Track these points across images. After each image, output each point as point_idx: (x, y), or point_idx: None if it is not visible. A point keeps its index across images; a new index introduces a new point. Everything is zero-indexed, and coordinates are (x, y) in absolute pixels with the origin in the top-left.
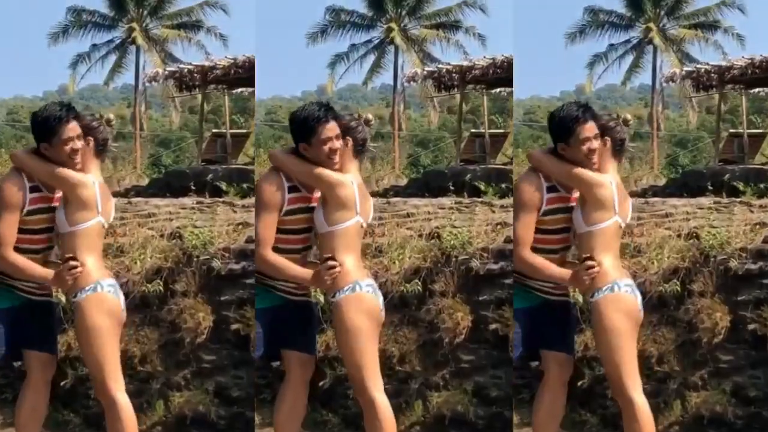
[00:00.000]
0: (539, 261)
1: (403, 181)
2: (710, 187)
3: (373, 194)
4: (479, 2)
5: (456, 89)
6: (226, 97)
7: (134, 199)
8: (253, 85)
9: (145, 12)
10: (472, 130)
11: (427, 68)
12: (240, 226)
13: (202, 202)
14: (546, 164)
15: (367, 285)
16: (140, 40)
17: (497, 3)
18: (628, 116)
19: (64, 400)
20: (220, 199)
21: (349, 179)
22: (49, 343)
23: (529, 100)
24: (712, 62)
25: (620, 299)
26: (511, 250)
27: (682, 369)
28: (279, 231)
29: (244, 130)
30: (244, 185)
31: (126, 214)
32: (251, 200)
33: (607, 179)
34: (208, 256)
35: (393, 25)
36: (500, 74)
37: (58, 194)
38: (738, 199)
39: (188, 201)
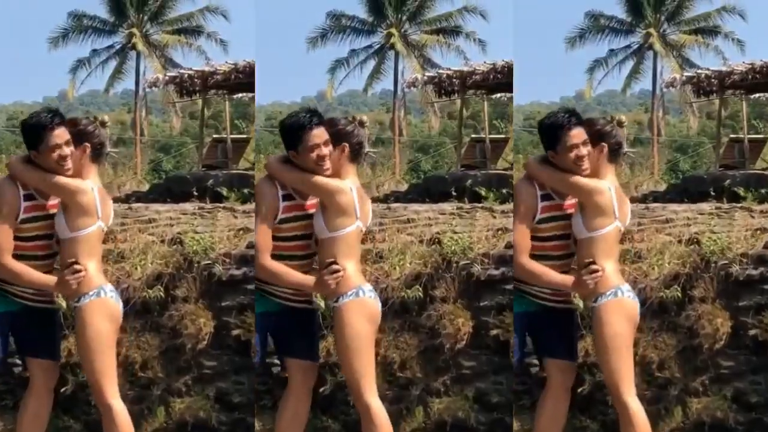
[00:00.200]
0: (538, 267)
1: (404, 187)
2: (711, 193)
3: (374, 200)
4: (479, 8)
5: (456, 94)
6: (227, 102)
7: (135, 205)
8: (253, 91)
9: (146, 17)
10: (473, 136)
11: (427, 73)
12: (241, 232)
13: (203, 207)
14: (542, 172)
15: (369, 290)
16: (140, 46)
17: (497, 8)
18: (622, 117)
19: (64, 406)
20: (221, 205)
21: (347, 185)
22: (51, 349)
23: (528, 105)
24: (712, 67)
25: (624, 304)
26: (512, 256)
27: (683, 375)
28: (276, 239)
29: (245, 136)
30: (245, 190)
31: (126, 219)
32: (252, 206)
33: (605, 185)
34: (209, 262)
35: (393, 30)
36: (501, 79)
37: (52, 201)
38: (739, 205)
39: (189, 206)
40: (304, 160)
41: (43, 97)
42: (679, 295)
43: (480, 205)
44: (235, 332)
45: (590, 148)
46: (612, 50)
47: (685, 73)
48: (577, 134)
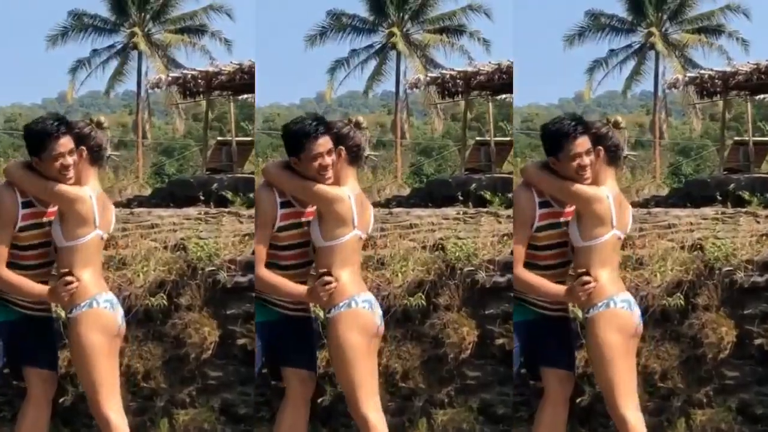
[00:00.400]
0: (533, 278)
1: (406, 191)
2: (716, 197)
3: (375, 204)
4: (484, 6)
5: (460, 96)
6: (232, 103)
7: (137, 210)
8: None
9: (148, 16)
10: (477, 138)
11: (430, 74)
12: (246, 237)
13: (207, 212)
14: (540, 179)
15: (364, 301)
16: (142, 45)
17: (502, 7)
18: (619, 119)
19: (64, 418)
20: (226, 209)
21: (345, 193)
22: (49, 359)
23: (527, 107)
24: (716, 68)
25: (615, 316)
26: None
27: (686, 386)
28: (274, 247)
29: (250, 138)
30: (251, 195)
31: (128, 225)
32: None
33: (604, 192)
34: (213, 269)
35: (395, 29)
36: (506, 80)
37: (52, 209)
38: (743, 210)
39: (193, 211)
40: (306, 168)
41: (42, 98)
42: (682, 303)
43: (485, 209)
44: (241, 341)
45: (593, 157)
46: (612, 50)
47: (688, 74)
48: (581, 143)
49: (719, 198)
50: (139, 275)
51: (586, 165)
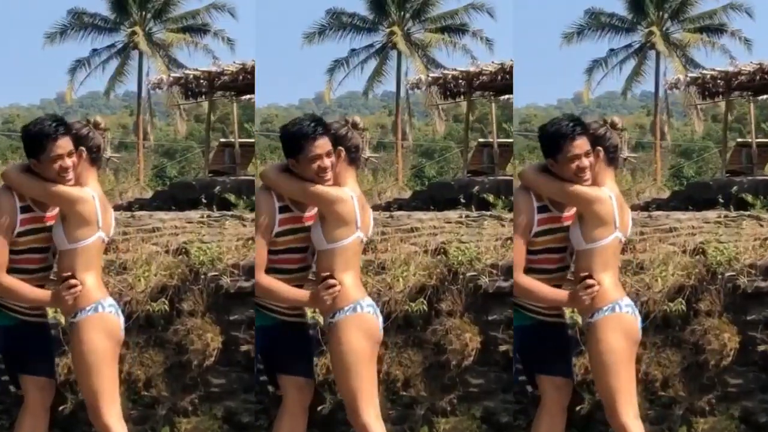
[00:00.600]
0: (532, 283)
1: (407, 194)
2: (718, 200)
3: (376, 207)
4: (486, 5)
5: (462, 96)
6: (235, 104)
7: (138, 213)
8: None
9: (149, 15)
10: (480, 140)
11: (431, 74)
12: (250, 241)
13: (210, 215)
14: (538, 182)
15: (368, 305)
16: (143, 45)
17: (505, 5)
18: (616, 119)
19: (63, 426)
20: (229, 213)
21: (347, 193)
22: (46, 366)
23: (525, 108)
24: (718, 68)
25: (621, 320)
26: None
27: (688, 393)
28: (273, 252)
29: (253, 140)
30: (254, 198)
31: (129, 228)
32: None
33: (605, 193)
34: (216, 273)
35: (396, 28)
36: (509, 80)
37: (51, 213)
38: (747, 213)
39: (195, 214)
40: (304, 169)
41: (41, 99)
42: (684, 308)
43: (488, 213)
44: (244, 348)
45: (592, 159)
46: (612, 50)
47: (690, 74)
48: (580, 144)
49: (721, 201)
50: (140, 280)
51: (585, 167)
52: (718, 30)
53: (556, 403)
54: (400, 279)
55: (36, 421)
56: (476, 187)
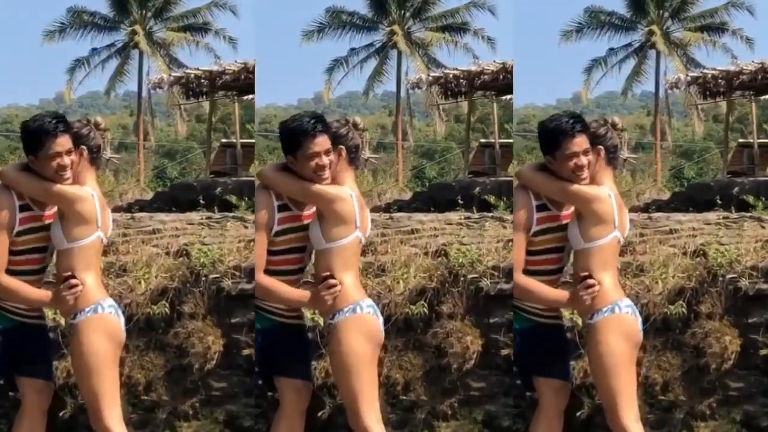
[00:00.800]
0: (531, 283)
1: (408, 195)
2: (718, 201)
3: (376, 209)
4: (488, 3)
5: (464, 96)
6: (236, 104)
7: (138, 214)
8: None
9: (149, 13)
10: (481, 140)
11: (432, 74)
12: (251, 243)
13: (211, 217)
14: (536, 181)
15: (368, 306)
16: (144, 44)
17: (506, 4)
18: (617, 119)
19: (63, 431)
20: (230, 214)
21: (347, 192)
22: (44, 368)
23: (523, 109)
24: (719, 67)
25: (621, 321)
26: None
27: (688, 397)
28: (271, 252)
29: (255, 140)
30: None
31: (129, 230)
32: None
33: (605, 192)
34: (217, 275)
35: (396, 27)
36: (511, 80)
37: (49, 212)
38: (748, 214)
39: (196, 216)
40: (302, 167)
41: (39, 99)
42: (685, 311)
43: (489, 214)
44: (246, 351)
45: (591, 157)
46: (612, 49)
47: (690, 74)
48: (579, 142)
49: (722, 202)
50: (140, 282)
51: (583, 165)
52: (720, 29)
53: (554, 407)
54: (401, 281)
55: (33, 425)
56: (477, 188)
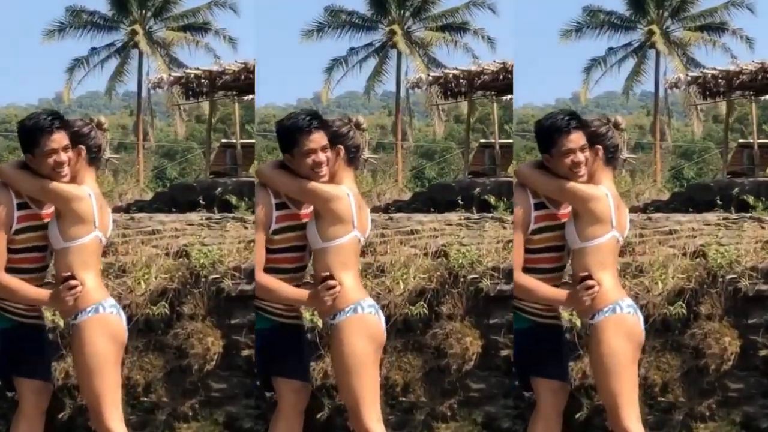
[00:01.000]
0: (531, 282)
1: (407, 196)
2: (718, 202)
3: (375, 209)
4: (488, 2)
5: (464, 96)
6: (236, 104)
7: (137, 215)
8: None
9: (149, 13)
10: (481, 141)
11: (432, 73)
12: (251, 244)
13: (211, 217)
14: (534, 179)
15: (369, 306)
16: (143, 44)
17: (507, 3)
18: (620, 119)
19: None
20: (230, 215)
21: (344, 191)
22: (42, 369)
23: (522, 109)
24: (719, 67)
25: (623, 321)
26: None
27: (687, 398)
28: (270, 251)
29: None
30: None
31: (128, 230)
32: None
33: (602, 191)
34: (217, 276)
35: (396, 27)
36: (511, 80)
37: (48, 210)
38: (748, 215)
39: (195, 216)
40: (299, 164)
41: (39, 99)
42: (684, 312)
43: (489, 215)
44: (246, 352)
45: (588, 154)
46: (611, 48)
47: (690, 73)
48: (575, 139)
49: (722, 203)
50: (139, 283)
51: (580, 162)
52: (720, 28)
53: (552, 407)
54: (400, 282)
55: (31, 426)
56: (477, 189)
